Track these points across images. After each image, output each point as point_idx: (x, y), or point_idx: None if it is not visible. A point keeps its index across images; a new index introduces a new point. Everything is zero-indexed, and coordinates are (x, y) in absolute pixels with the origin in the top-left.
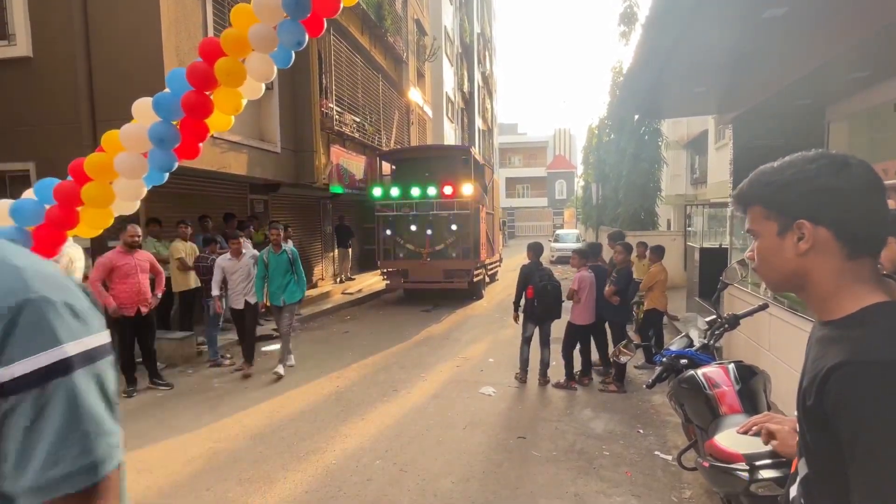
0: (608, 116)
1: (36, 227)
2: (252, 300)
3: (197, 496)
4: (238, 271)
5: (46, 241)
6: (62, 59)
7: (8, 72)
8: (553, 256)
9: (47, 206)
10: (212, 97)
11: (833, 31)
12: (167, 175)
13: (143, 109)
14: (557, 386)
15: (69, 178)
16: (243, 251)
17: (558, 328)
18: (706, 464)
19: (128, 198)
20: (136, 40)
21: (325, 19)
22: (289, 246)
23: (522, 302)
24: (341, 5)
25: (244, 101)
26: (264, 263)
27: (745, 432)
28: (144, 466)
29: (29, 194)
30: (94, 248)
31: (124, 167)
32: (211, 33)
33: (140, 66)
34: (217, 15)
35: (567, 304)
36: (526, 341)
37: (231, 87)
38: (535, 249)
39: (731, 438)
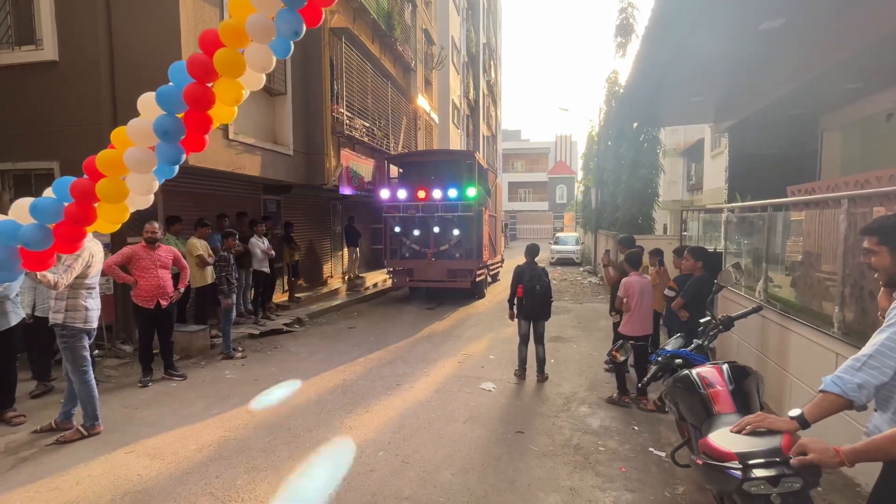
0: (604, 125)
1: (56, 224)
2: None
3: (207, 483)
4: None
5: (67, 237)
6: (86, 63)
7: (35, 75)
8: (553, 258)
9: (66, 204)
10: (213, 88)
11: (828, 44)
12: (177, 168)
13: (149, 104)
14: (610, 401)
15: (85, 175)
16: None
17: (558, 326)
18: (700, 461)
19: (140, 192)
20: (156, 47)
21: (322, 11)
22: None
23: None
24: None
25: (245, 92)
26: None
27: (739, 431)
28: (157, 453)
29: (48, 193)
30: (114, 244)
31: (133, 161)
32: None
33: (160, 70)
34: None
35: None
36: (523, 339)
37: (231, 78)
38: (530, 251)
39: (725, 437)
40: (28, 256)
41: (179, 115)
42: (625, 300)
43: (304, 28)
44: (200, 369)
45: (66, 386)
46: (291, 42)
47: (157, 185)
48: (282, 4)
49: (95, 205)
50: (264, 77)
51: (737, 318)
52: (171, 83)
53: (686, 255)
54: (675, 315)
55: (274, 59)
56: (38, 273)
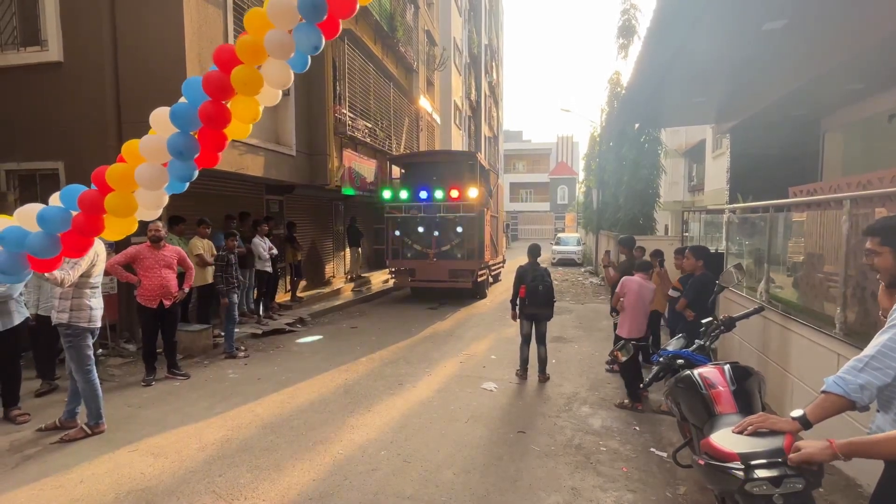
0: (606, 126)
1: (63, 233)
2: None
3: (210, 481)
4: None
5: (74, 245)
6: (91, 64)
7: (40, 75)
8: (554, 259)
9: (73, 213)
10: (229, 105)
11: (830, 44)
12: (187, 185)
13: (161, 120)
14: (621, 406)
15: (93, 186)
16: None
17: (560, 327)
18: (702, 462)
19: (149, 207)
20: (160, 48)
21: (340, 22)
22: None
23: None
24: (357, 6)
25: (262, 109)
26: None
27: (741, 432)
28: (160, 452)
29: (55, 200)
30: (119, 244)
31: (144, 178)
32: (231, 40)
33: (164, 72)
34: (237, 22)
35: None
36: (525, 340)
37: (248, 96)
38: (532, 251)
39: (727, 437)
40: (35, 261)
41: (193, 133)
42: (621, 299)
43: (324, 42)
44: (203, 368)
45: (70, 384)
46: (309, 56)
47: (166, 200)
48: (300, 18)
49: (103, 216)
50: (280, 93)
51: (738, 318)
52: (184, 99)
53: (687, 255)
54: (679, 315)
55: (292, 74)
56: None
